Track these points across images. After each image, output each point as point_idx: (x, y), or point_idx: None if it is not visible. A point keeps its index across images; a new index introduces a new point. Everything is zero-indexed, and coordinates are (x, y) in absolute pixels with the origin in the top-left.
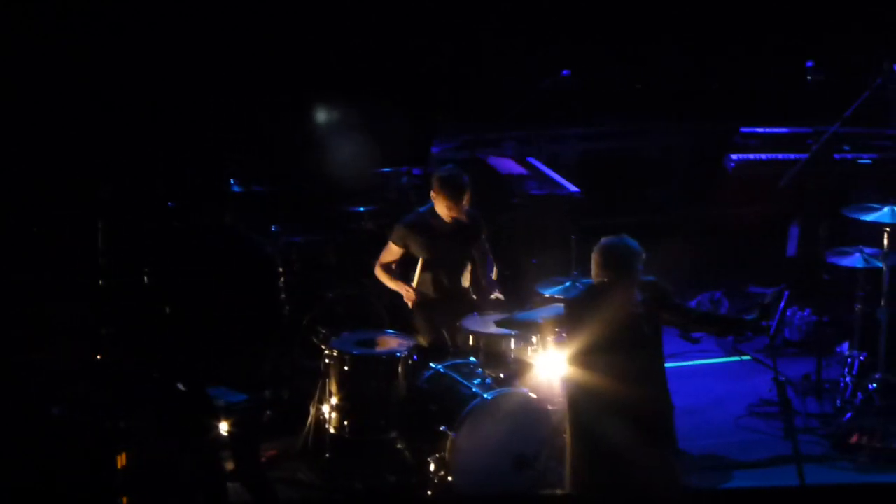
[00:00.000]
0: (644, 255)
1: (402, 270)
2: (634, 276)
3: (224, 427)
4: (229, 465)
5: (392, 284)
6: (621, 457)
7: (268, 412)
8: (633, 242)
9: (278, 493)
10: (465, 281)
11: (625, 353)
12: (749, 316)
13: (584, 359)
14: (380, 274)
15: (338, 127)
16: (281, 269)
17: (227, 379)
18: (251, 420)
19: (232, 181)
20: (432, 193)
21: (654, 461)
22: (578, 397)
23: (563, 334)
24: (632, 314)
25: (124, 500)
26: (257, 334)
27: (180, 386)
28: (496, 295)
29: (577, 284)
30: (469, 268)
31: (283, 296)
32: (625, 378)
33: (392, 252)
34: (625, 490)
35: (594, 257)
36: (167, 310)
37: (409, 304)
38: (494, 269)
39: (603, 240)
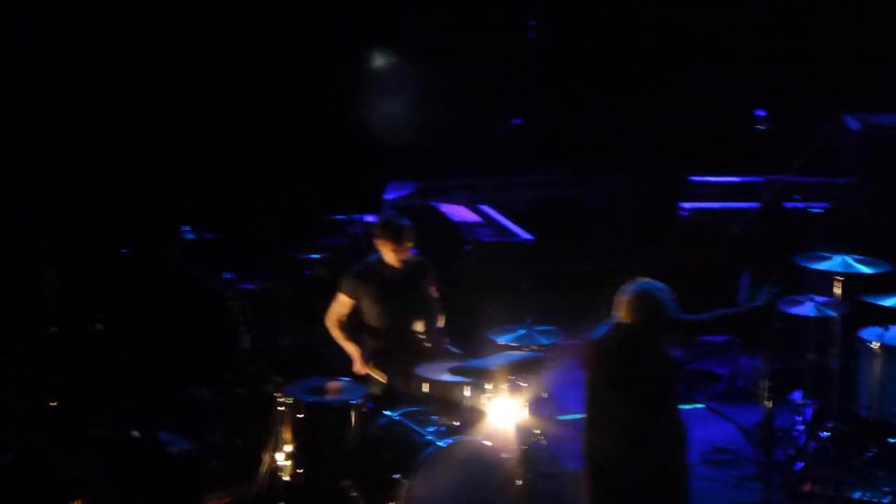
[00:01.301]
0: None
1: (356, 320)
2: (666, 320)
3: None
4: None
5: (345, 344)
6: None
7: (213, 463)
8: (662, 287)
9: None
10: (418, 327)
11: (645, 397)
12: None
13: (606, 399)
14: (332, 329)
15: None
16: (235, 305)
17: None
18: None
19: (185, 227)
20: (376, 241)
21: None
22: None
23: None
24: (657, 360)
25: None
26: (214, 368)
27: (135, 433)
28: (444, 345)
29: (531, 332)
30: (421, 314)
31: (241, 327)
32: (641, 422)
33: (342, 304)
34: None
35: (625, 301)
36: (119, 354)
37: (357, 371)
38: (441, 319)
39: (633, 284)
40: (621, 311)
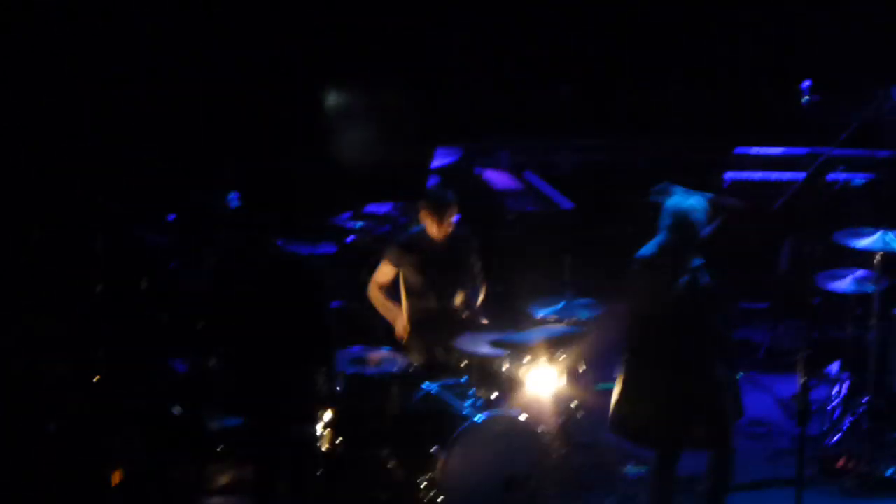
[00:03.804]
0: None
1: (395, 290)
2: (696, 237)
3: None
4: (224, 480)
5: (385, 311)
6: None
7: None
8: (701, 204)
9: None
10: (458, 300)
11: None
12: None
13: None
14: (375, 296)
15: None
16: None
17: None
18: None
19: (235, 195)
20: (420, 214)
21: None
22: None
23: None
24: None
25: None
26: (308, 352)
27: (175, 410)
28: (482, 321)
29: (571, 305)
30: (462, 288)
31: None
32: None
33: (385, 272)
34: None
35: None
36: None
37: (399, 338)
38: (481, 295)
39: (671, 199)
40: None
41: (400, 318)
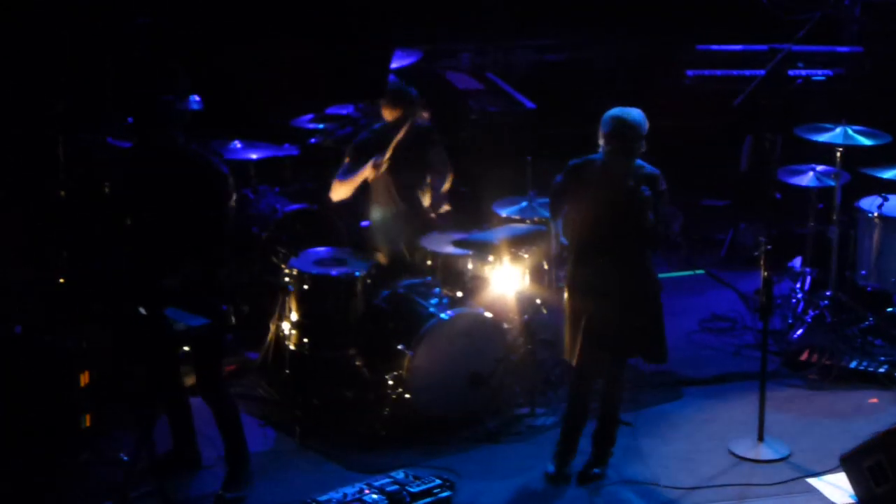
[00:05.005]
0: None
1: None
2: (635, 148)
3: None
4: (190, 381)
5: (355, 178)
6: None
7: (229, 336)
8: (640, 116)
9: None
10: (425, 200)
11: (615, 220)
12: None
13: (579, 223)
14: (340, 184)
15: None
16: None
17: (186, 296)
18: (212, 342)
19: (194, 97)
20: (384, 110)
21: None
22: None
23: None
24: (626, 188)
25: (87, 417)
26: (206, 250)
27: (141, 309)
28: (445, 208)
29: (534, 204)
30: (427, 185)
31: (230, 213)
32: (610, 246)
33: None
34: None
35: (603, 123)
36: (126, 222)
37: (380, 168)
38: (449, 180)
39: (611, 110)
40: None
41: (371, 162)
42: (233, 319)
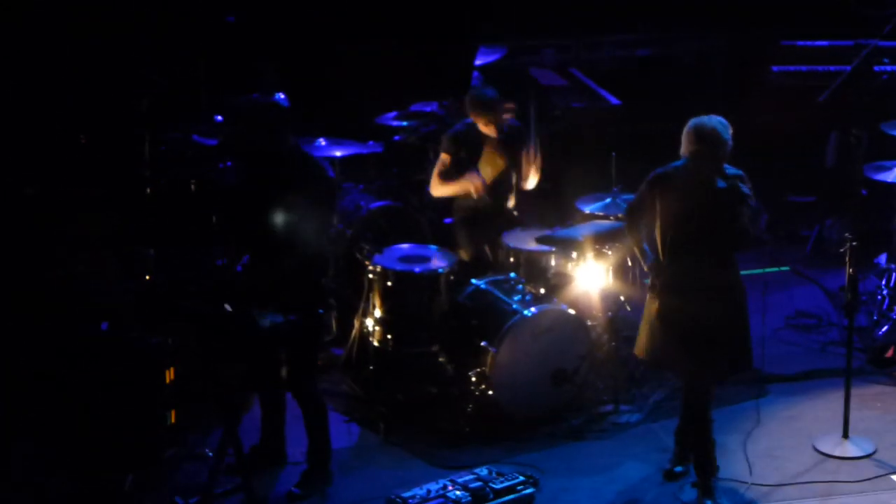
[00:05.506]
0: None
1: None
2: (722, 152)
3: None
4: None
5: (456, 185)
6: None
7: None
8: (722, 121)
9: (327, 408)
10: (510, 198)
11: (703, 225)
12: None
13: (667, 229)
14: (439, 185)
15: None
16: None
17: (280, 300)
18: (305, 341)
19: (280, 94)
20: (470, 114)
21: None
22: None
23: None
24: (716, 189)
25: (173, 413)
26: (311, 259)
27: (226, 307)
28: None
29: (618, 200)
30: (513, 183)
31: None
32: (701, 248)
33: (444, 163)
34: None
35: (685, 133)
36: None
37: (476, 194)
38: (534, 179)
39: (692, 120)
40: (684, 146)
41: (471, 180)
42: (334, 327)
